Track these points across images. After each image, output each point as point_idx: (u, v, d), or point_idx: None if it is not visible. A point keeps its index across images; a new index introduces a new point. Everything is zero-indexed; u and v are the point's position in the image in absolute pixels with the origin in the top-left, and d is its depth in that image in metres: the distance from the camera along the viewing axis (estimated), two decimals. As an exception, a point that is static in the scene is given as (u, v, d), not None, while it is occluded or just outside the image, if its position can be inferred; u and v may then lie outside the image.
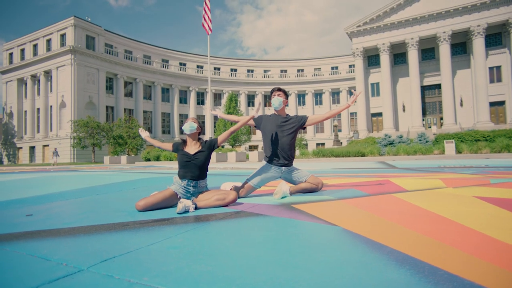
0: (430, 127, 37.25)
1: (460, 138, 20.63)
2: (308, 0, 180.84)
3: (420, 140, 21.83)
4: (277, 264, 1.27)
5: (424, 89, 38.61)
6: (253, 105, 51.63)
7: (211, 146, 3.05)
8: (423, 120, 37.70)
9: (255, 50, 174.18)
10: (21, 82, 41.47)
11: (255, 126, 3.59)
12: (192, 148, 2.99)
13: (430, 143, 20.98)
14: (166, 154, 24.90)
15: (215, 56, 51.05)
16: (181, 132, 47.14)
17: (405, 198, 2.96)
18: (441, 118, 37.36)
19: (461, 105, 36.22)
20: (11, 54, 42.28)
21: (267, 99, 52.05)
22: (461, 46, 37.53)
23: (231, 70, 51.89)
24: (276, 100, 3.46)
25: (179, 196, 2.83)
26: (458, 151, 18.21)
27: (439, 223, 1.94)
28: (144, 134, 3.42)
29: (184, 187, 2.86)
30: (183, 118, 47.62)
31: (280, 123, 3.45)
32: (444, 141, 18.85)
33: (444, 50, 35.24)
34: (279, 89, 3.51)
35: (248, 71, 52.54)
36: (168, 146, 3.12)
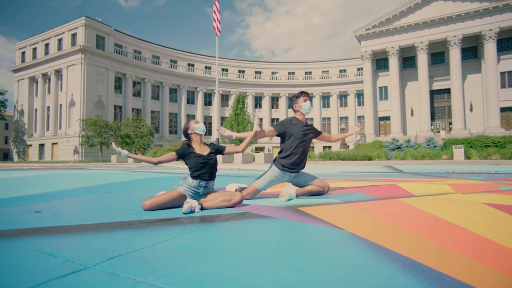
0: (438, 132, 36.80)
1: (469, 143, 20.35)
2: (317, 3, 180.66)
3: (428, 145, 21.59)
4: (282, 266, 1.27)
5: (433, 93, 38.19)
6: (260, 107, 51.61)
7: (218, 150, 3.05)
8: (431, 124, 37.28)
9: (263, 52, 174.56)
10: (33, 80, 42.18)
11: (278, 135, 3.41)
12: (201, 149, 2.97)
13: (439, 148, 20.74)
14: (173, 154, 24.98)
15: (223, 57, 51.27)
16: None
17: (413, 203, 2.93)
18: (450, 123, 36.88)
19: (471, 110, 35.71)
20: (23, 53, 43.07)
21: (274, 101, 52.07)
22: (471, 50, 37.05)
23: (239, 71, 52.03)
24: (309, 105, 3.40)
25: (186, 197, 2.83)
26: (467, 156, 17.94)
27: (447, 229, 1.91)
28: (124, 152, 2.88)
29: (195, 188, 2.84)
30: (190, 118, 47.80)
31: (304, 130, 3.40)
32: (453, 146, 18.61)
33: (454, 54, 34.83)
34: (308, 94, 3.47)
35: (256, 72, 52.61)
36: (170, 156, 2.88)
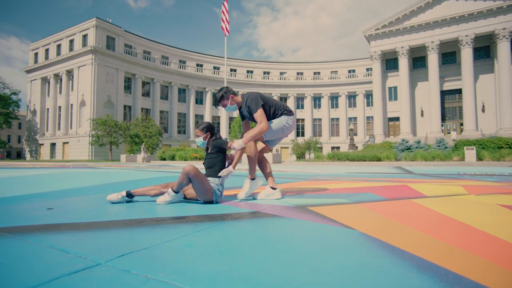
0: (449, 133, 36.21)
1: (481, 144, 19.94)
2: (325, 3, 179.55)
3: (438, 146, 21.26)
4: (294, 266, 1.25)
5: (443, 93, 37.61)
6: (268, 107, 51.49)
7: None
8: (442, 125, 36.70)
9: (271, 52, 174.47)
10: (45, 81, 42.97)
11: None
12: None
13: (449, 149, 20.40)
14: (181, 154, 25.16)
15: (231, 57, 51.40)
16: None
17: (425, 204, 2.88)
18: (461, 124, 36.27)
19: (483, 110, 35.06)
20: (36, 54, 43.95)
21: (283, 101, 51.67)
22: (484, 50, 36.37)
23: (247, 71, 52.10)
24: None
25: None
26: (479, 158, 17.61)
27: (461, 230, 1.87)
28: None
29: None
30: (198, 118, 48.09)
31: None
32: (464, 147, 18.27)
33: (466, 54, 34.22)
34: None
35: (264, 73, 52.62)
36: None
